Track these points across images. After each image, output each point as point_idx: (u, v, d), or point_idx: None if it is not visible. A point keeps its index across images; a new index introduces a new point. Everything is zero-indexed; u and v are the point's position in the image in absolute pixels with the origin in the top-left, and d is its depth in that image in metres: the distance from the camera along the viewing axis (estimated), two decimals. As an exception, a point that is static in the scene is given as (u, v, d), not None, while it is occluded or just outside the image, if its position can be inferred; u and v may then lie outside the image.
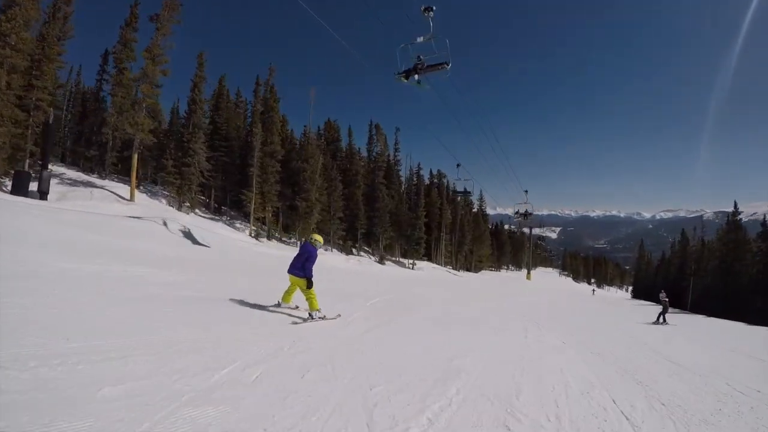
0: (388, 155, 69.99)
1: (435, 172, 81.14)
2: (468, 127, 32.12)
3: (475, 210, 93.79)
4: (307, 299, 8.84)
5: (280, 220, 48.11)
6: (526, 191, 41.86)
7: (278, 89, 46.42)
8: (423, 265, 63.23)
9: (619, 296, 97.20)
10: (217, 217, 44.11)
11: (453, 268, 76.53)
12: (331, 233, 50.54)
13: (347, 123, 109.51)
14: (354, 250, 55.91)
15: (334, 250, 50.41)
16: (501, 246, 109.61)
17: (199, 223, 35.25)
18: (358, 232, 56.44)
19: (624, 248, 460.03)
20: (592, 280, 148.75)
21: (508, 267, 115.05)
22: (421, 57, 13.05)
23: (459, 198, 76.60)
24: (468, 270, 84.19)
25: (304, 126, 51.85)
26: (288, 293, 9.41)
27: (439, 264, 72.52)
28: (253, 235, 41.00)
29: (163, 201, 39.98)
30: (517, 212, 43.75)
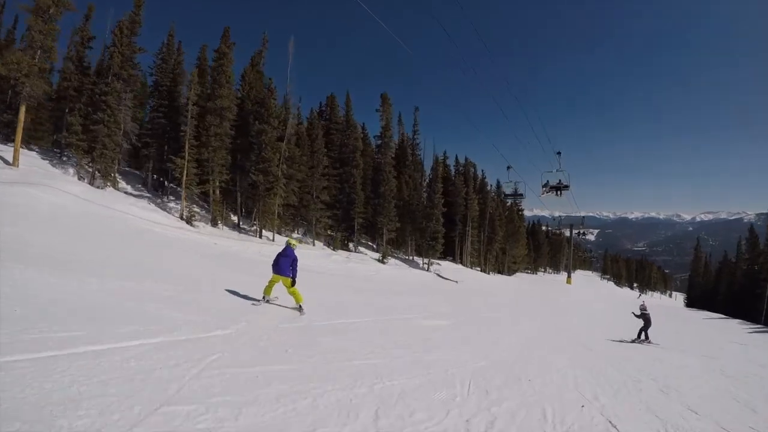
0: (404, 136, 58.17)
1: (463, 161, 68.41)
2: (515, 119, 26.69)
3: (508, 203, 79.12)
4: (291, 293, 10.56)
5: (239, 200, 35.86)
6: (559, 153, 26.82)
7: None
8: (444, 265, 51.28)
9: (671, 304, 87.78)
10: (148, 195, 32.69)
11: (482, 269, 64.40)
12: (313, 222, 38.44)
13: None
14: (351, 244, 43.67)
15: (317, 243, 38.08)
16: (538, 247, 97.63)
17: (94, 197, 24.50)
18: (355, 222, 44.08)
19: (663, 251, 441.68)
20: (635, 285, 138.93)
21: (545, 269, 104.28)
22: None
23: (504, 198, 63.14)
24: (500, 272, 72.05)
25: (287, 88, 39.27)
26: (270, 287, 10.82)
27: (464, 264, 59.98)
28: (184, 217, 28.78)
29: (71, 171, 28.93)
30: (545, 185, 27.85)
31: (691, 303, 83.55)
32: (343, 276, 26.39)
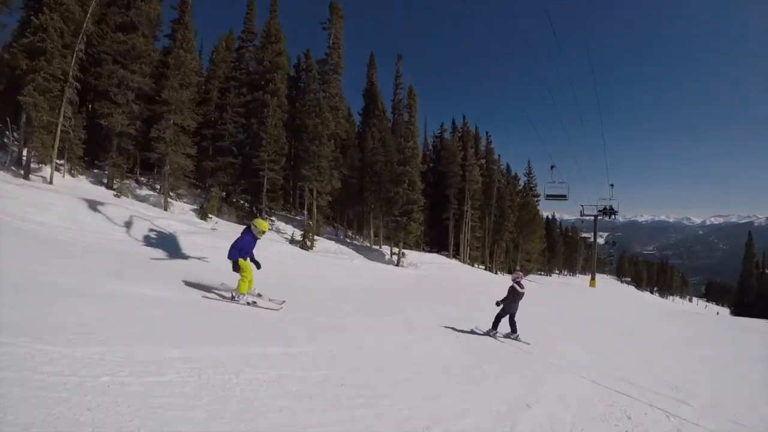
0: (372, 79, 40.57)
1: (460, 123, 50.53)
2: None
3: (520, 187, 61.07)
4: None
5: None
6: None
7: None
8: (428, 259, 34.96)
9: (704, 312, 73.91)
10: None
11: (486, 267, 47.85)
12: (167, 173, 21.23)
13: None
14: (267, 214, 26.48)
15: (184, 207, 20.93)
16: (552, 245, 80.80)
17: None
18: (264, 179, 26.51)
19: (674, 254, 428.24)
20: (655, 289, 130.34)
21: (560, 271, 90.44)
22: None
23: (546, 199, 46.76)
24: (510, 272, 53.31)
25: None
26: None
27: (461, 259, 42.86)
28: None
29: None
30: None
31: (738, 311, 70.22)
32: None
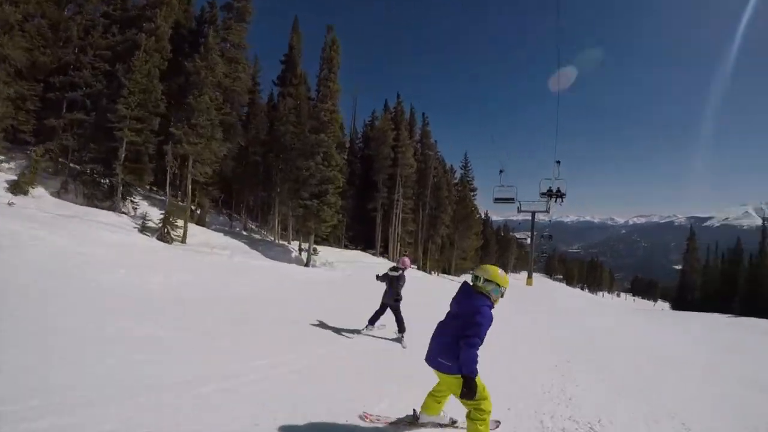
0: (292, 43, 33.21)
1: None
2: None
3: (456, 180, 55.08)
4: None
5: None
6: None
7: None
8: (348, 257, 29.77)
9: (641, 307, 75.76)
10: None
11: (420, 266, 41.14)
12: None
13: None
14: (126, 192, 19.73)
15: None
16: (486, 244, 76.86)
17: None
18: (122, 141, 19.14)
19: (598, 253, 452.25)
20: (584, 285, 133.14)
21: None
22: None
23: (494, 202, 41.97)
24: (446, 272, 49.62)
25: None
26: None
27: (391, 258, 36.46)
28: None
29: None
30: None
31: (677, 305, 70.97)
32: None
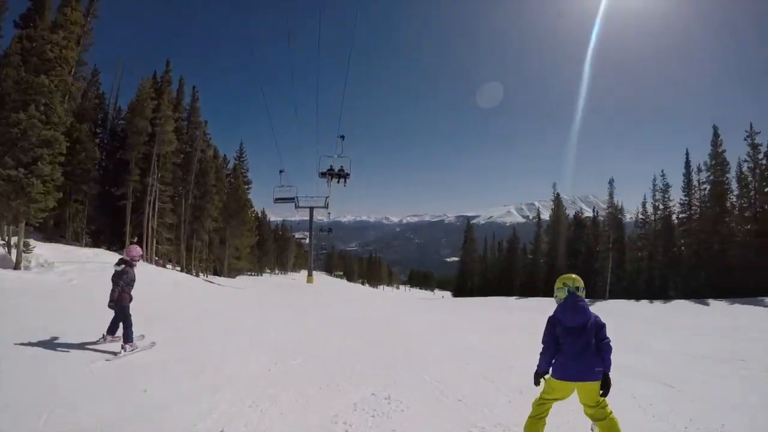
0: None
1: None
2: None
3: (229, 171, 50.37)
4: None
5: None
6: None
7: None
8: (82, 255, 23.16)
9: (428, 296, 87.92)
10: None
11: (183, 267, 36.22)
12: None
13: None
14: None
15: None
16: (263, 243, 74.57)
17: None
18: None
19: (374, 249, 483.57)
20: (365, 280, 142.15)
21: (272, 270, 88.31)
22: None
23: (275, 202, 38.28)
24: (217, 273, 44.74)
25: None
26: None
27: (145, 256, 29.88)
28: None
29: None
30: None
31: (460, 293, 76.53)
32: None
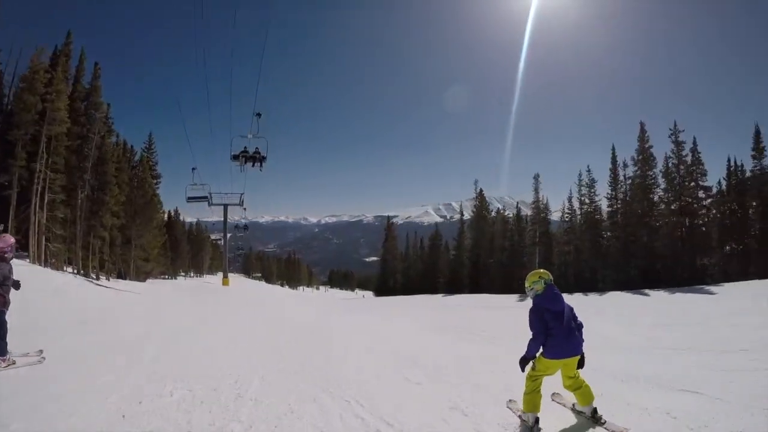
0: None
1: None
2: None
3: (136, 163, 46.57)
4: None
5: None
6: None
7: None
8: None
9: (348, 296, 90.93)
10: None
11: (79, 270, 32.29)
12: None
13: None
14: None
15: None
16: (176, 244, 70.90)
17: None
18: None
19: (293, 250, 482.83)
20: (283, 282, 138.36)
21: (187, 273, 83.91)
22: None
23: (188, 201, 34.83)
24: (122, 276, 40.43)
25: None
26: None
27: (33, 256, 27.03)
28: None
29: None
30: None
31: (382, 292, 76.70)
32: None
